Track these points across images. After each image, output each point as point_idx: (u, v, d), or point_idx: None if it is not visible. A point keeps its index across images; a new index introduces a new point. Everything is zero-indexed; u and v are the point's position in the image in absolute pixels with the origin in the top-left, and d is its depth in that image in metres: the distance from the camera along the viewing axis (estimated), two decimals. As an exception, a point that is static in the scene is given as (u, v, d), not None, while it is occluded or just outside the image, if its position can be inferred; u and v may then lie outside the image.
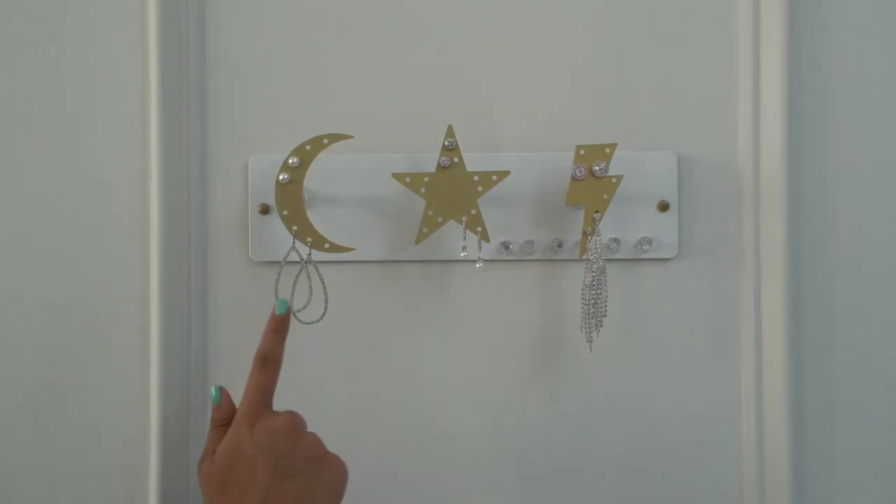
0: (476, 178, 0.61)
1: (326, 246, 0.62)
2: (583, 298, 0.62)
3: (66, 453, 0.66)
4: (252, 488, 0.51)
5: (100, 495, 0.66)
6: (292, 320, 0.61)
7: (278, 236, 0.65)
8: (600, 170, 0.61)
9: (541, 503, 0.66)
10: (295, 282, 0.62)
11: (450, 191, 0.61)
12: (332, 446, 0.65)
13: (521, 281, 0.66)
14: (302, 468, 0.52)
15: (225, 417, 0.57)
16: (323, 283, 0.62)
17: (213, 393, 0.57)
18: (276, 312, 0.57)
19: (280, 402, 0.66)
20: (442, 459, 0.66)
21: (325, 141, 0.61)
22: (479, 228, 0.62)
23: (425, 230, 0.62)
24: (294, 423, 0.53)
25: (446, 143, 0.61)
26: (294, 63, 0.66)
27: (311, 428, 0.65)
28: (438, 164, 0.61)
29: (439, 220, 0.62)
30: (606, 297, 0.62)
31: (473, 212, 0.62)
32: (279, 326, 0.57)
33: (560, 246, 0.65)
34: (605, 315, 0.62)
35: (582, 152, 0.61)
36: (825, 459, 0.66)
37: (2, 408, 0.66)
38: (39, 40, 0.66)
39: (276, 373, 0.56)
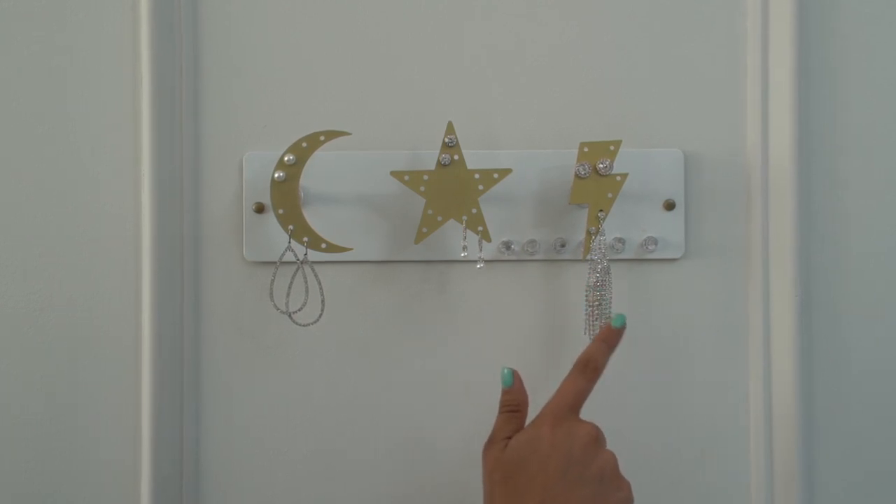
0: (477, 176, 0.61)
1: (323, 246, 0.61)
2: (586, 300, 0.61)
3: (57, 455, 0.65)
4: (537, 484, 0.50)
5: (92, 498, 0.65)
6: (288, 322, 0.60)
7: (274, 236, 0.64)
8: (605, 167, 0.60)
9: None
10: (291, 283, 0.61)
11: (450, 189, 0.60)
12: (331, 450, 0.65)
13: (523, 282, 0.65)
14: (591, 481, 0.50)
15: (514, 403, 0.56)
16: (319, 284, 0.61)
17: (506, 375, 0.56)
18: (613, 325, 0.56)
19: (278, 405, 0.65)
20: (443, 462, 0.66)
21: (322, 138, 0.60)
22: (480, 228, 0.61)
23: (425, 230, 0.61)
24: (596, 435, 0.52)
25: (446, 140, 0.60)
26: (290, 57, 0.66)
27: (307, 433, 0.65)
28: (438, 162, 0.60)
29: (439, 219, 0.61)
30: (611, 298, 0.61)
31: (474, 211, 0.61)
32: (609, 338, 0.56)
33: (563, 246, 0.64)
34: (610, 317, 0.61)
35: (586, 149, 0.61)
36: (836, 464, 0.66)
37: (-9, 411, 0.65)
38: (28, 35, 0.65)
39: (594, 381, 0.55)
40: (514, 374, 0.56)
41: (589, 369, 0.54)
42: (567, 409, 0.53)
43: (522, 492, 0.50)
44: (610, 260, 0.62)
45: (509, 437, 0.54)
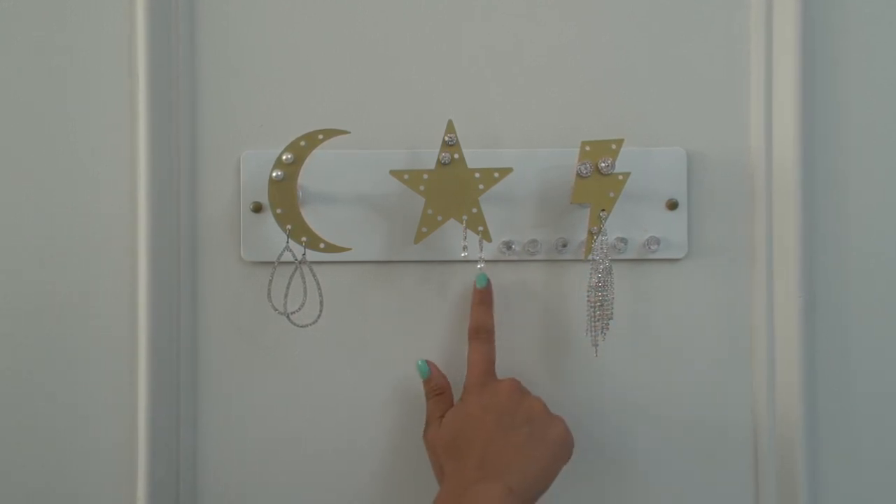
0: (477, 175, 0.60)
1: (322, 246, 0.60)
2: (588, 300, 0.60)
3: (52, 457, 0.65)
4: (476, 440, 0.55)
5: (88, 500, 0.65)
6: (287, 322, 0.60)
7: (271, 236, 0.63)
8: (606, 166, 0.60)
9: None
10: (289, 283, 0.61)
11: (450, 188, 0.60)
12: (330, 452, 0.64)
13: (524, 282, 0.65)
14: (523, 423, 0.55)
15: (437, 387, 0.61)
16: (318, 284, 0.61)
17: (421, 366, 0.61)
18: (477, 286, 0.61)
19: (277, 407, 0.64)
20: (442, 467, 0.65)
21: (321, 136, 0.59)
22: (481, 228, 0.60)
23: (424, 229, 0.60)
24: (516, 385, 0.58)
25: (446, 138, 0.59)
26: (288, 55, 0.65)
27: (306, 435, 0.65)
28: (438, 161, 0.60)
29: (439, 218, 0.60)
30: (613, 298, 0.60)
31: (474, 210, 0.60)
32: (483, 298, 0.61)
33: (564, 246, 0.63)
34: (612, 318, 0.60)
35: (587, 148, 0.60)
36: (841, 466, 0.65)
37: (-15, 413, 0.65)
38: (24, 32, 0.64)
39: (492, 341, 0.60)
40: (429, 363, 0.62)
41: (482, 332, 0.60)
42: (483, 376, 0.59)
43: (465, 452, 0.55)
44: (612, 260, 0.61)
45: (442, 416, 0.59)
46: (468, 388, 0.59)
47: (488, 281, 0.61)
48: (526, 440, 0.54)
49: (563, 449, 0.56)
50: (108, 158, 0.64)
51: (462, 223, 0.60)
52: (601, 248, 0.60)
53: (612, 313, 0.60)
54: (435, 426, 0.59)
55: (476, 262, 0.61)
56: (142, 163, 0.62)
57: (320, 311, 0.60)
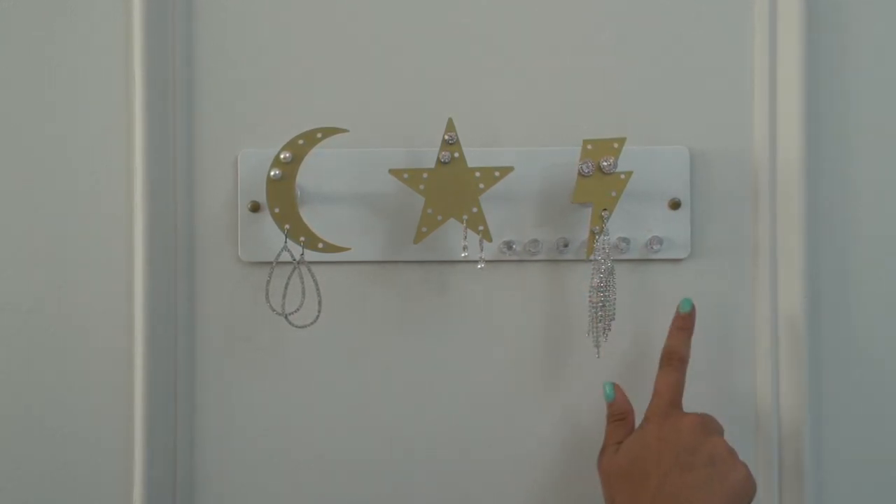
0: (478, 174, 0.60)
1: (320, 245, 0.60)
2: (590, 301, 0.60)
3: (48, 458, 0.64)
4: (653, 474, 0.53)
5: (85, 500, 0.64)
6: (285, 324, 0.59)
7: (269, 235, 0.63)
8: (608, 165, 0.59)
9: (545, 515, 0.64)
10: (287, 283, 0.60)
11: (450, 188, 0.59)
12: (329, 453, 0.64)
13: (525, 283, 0.64)
14: (703, 464, 0.53)
15: (620, 412, 0.59)
16: (316, 284, 0.60)
17: (608, 390, 0.60)
18: (680, 311, 0.59)
19: (274, 408, 0.64)
20: (443, 467, 0.65)
21: (319, 135, 0.59)
22: (481, 227, 0.60)
23: (424, 229, 0.60)
24: (701, 421, 0.55)
25: (446, 137, 0.59)
26: (286, 52, 0.65)
27: (304, 437, 0.65)
28: (438, 160, 0.59)
29: (439, 218, 0.60)
30: (615, 299, 0.60)
31: (475, 210, 0.60)
32: (684, 324, 0.59)
33: (566, 246, 0.63)
34: (614, 318, 0.60)
35: (589, 147, 0.60)
36: (846, 466, 0.65)
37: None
38: (19, 30, 0.64)
39: (683, 370, 0.58)
40: (616, 387, 0.60)
41: (674, 360, 0.58)
42: (667, 406, 0.56)
43: (639, 484, 0.53)
44: (614, 260, 0.61)
45: (620, 443, 0.57)
46: (649, 416, 0.57)
47: (693, 307, 0.59)
48: (705, 481, 0.52)
49: (742, 497, 0.53)
50: (105, 157, 0.64)
51: (462, 223, 0.60)
52: (603, 248, 0.59)
53: (613, 314, 0.60)
54: (611, 451, 0.57)
55: (476, 262, 0.60)
56: (138, 162, 0.62)
57: (319, 311, 0.60)
